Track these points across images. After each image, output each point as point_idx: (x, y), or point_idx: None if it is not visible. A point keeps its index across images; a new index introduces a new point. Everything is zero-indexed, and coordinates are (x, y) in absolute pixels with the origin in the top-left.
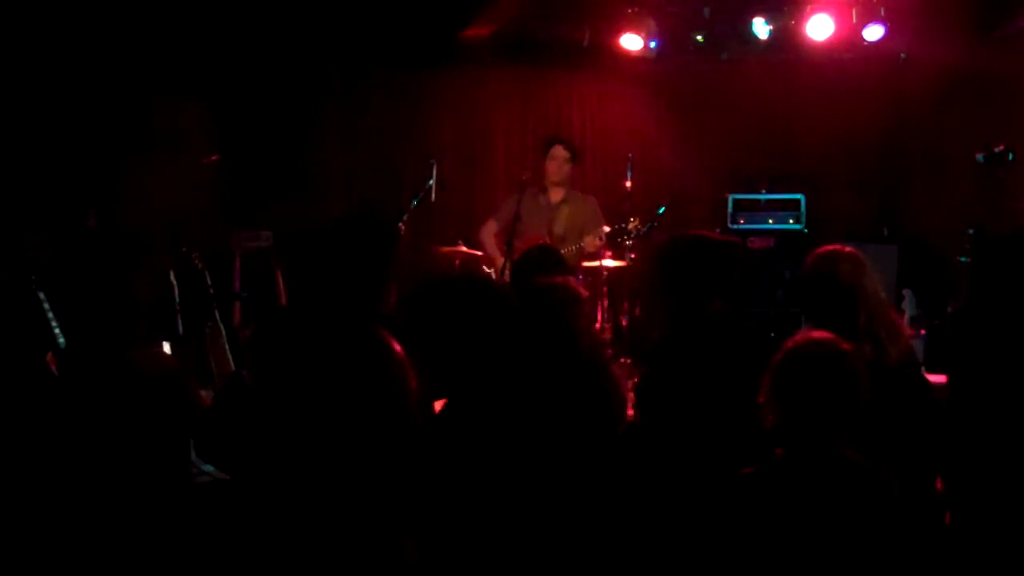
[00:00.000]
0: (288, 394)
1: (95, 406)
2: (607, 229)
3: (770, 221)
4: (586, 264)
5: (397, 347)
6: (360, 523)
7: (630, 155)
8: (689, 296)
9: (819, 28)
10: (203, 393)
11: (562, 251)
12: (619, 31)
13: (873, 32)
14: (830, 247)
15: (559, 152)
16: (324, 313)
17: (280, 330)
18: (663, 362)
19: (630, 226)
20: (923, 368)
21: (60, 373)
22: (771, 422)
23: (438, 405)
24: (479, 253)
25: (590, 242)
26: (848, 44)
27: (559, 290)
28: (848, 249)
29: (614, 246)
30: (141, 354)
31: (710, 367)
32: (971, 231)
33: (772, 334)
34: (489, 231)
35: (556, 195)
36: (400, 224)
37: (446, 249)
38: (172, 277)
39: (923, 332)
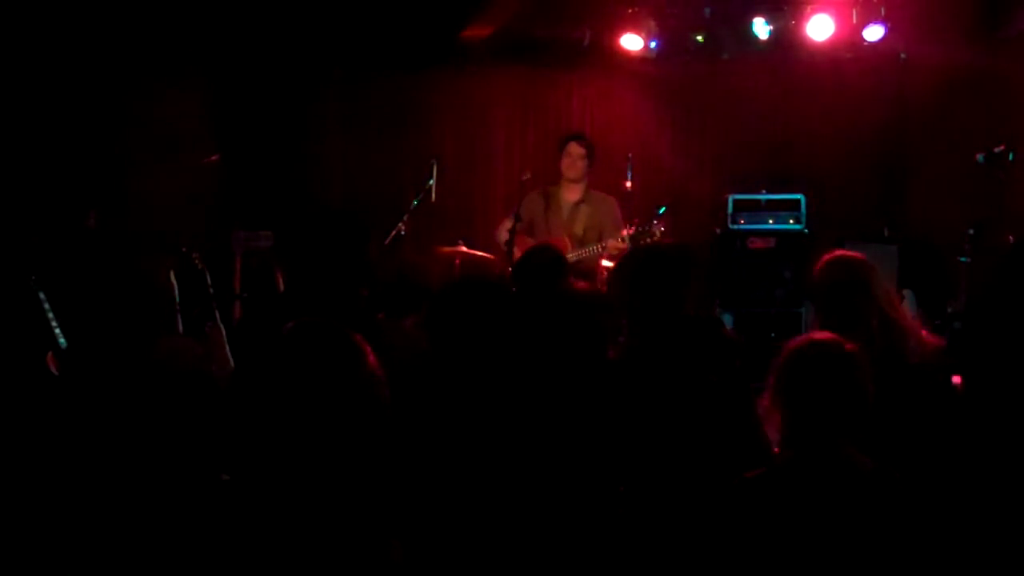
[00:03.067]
0: (263, 393)
1: (94, 406)
2: (627, 232)
3: (770, 221)
4: (606, 264)
5: (367, 349)
6: (346, 524)
7: (630, 155)
8: (655, 305)
9: (819, 28)
10: None
11: (583, 251)
12: (619, 31)
13: (873, 32)
14: (837, 253)
15: (573, 149)
16: (301, 309)
17: (259, 327)
18: (631, 369)
19: (653, 229)
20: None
21: (60, 373)
22: (776, 424)
23: None
24: (479, 253)
25: (613, 244)
26: (848, 44)
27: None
28: (856, 255)
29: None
30: (170, 345)
31: (680, 372)
32: (971, 231)
33: (772, 334)
34: (504, 227)
35: (573, 194)
36: (400, 224)
37: (446, 249)
38: (172, 277)
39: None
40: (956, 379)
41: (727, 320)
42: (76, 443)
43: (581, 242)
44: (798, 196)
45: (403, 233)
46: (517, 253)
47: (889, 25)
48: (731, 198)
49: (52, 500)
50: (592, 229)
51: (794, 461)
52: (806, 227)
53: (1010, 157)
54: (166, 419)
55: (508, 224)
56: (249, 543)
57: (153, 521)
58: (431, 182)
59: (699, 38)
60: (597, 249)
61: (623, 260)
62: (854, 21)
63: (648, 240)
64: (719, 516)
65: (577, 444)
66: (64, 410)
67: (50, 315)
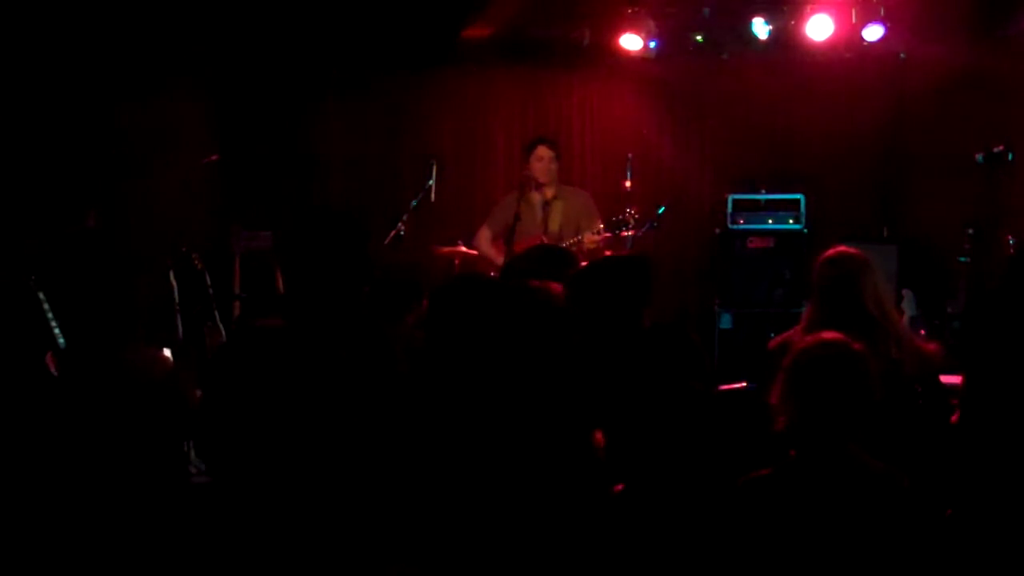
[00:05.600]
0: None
1: (94, 407)
2: (602, 225)
3: (770, 221)
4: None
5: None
6: (353, 520)
7: (630, 155)
8: (614, 316)
9: (819, 28)
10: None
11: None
12: (619, 31)
13: (873, 32)
14: (835, 249)
15: (544, 152)
16: (300, 310)
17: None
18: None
19: (627, 216)
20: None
21: (60, 373)
22: (784, 423)
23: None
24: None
25: (589, 238)
26: (848, 44)
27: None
28: (852, 251)
29: (615, 241)
30: (137, 355)
31: (649, 381)
32: (971, 231)
33: (772, 334)
34: (484, 238)
35: (547, 193)
36: (400, 224)
37: (446, 249)
38: (172, 277)
39: (923, 332)
40: (955, 379)
41: (726, 320)
42: (75, 443)
43: (558, 238)
44: (797, 196)
45: (403, 233)
46: (493, 256)
47: (888, 25)
48: (730, 198)
49: (51, 499)
50: (568, 224)
51: (801, 460)
52: (805, 227)
53: (1009, 157)
54: (130, 423)
55: (487, 233)
56: (257, 541)
57: (152, 521)
58: (431, 182)
59: (698, 38)
60: (572, 244)
61: (576, 275)
62: (854, 21)
63: (624, 229)
64: (725, 515)
65: (570, 443)
66: (64, 410)
67: (50, 315)
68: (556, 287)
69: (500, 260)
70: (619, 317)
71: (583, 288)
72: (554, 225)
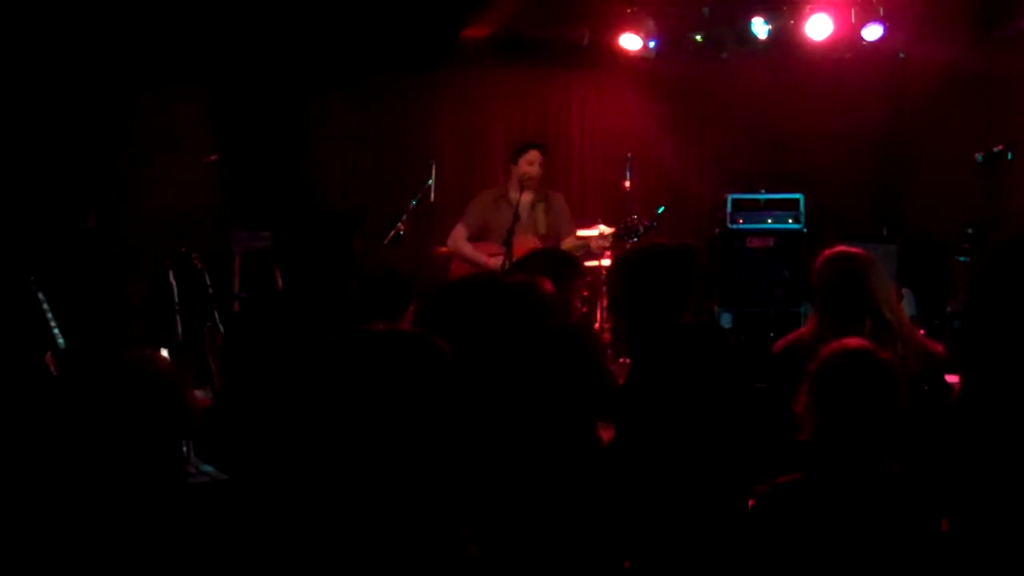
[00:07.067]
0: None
1: (93, 406)
2: (611, 229)
3: (769, 221)
4: (586, 264)
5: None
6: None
7: (629, 155)
8: (657, 311)
9: (818, 28)
10: (202, 393)
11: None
12: (618, 31)
13: (872, 32)
14: (838, 248)
15: (536, 156)
16: (297, 307)
17: (254, 326)
18: (640, 385)
19: (635, 223)
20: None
21: (59, 373)
22: (810, 432)
23: None
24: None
25: (597, 244)
26: (847, 44)
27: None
28: (855, 250)
29: (620, 246)
30: (134, 356)
31: (687, 384)
32: (970, 231)
33: (771, 334)
34: (461, 236)
35: (528, 196)
36: (400, 224)
37: (445, 249)
38: (171, 277)
39: (922, 332)
40: (953, 378)
41: (726, 319)
42: (75, 443)
43: (545, 240)
44: (797, 196)
45: (402, 233)
46: (475, 255)
47: (888, 24)
48: (730, 197)
49: (51, 499)
50: (552, 226)
51: (829, 468)
52: (805, 226)
53: (1009, 157)
54: (127, 423)
55: (463, 232)
56: (266, 541)
57: (152, 522)
58: (430, 182)
59: (698, 38)
60: (577, 248)
61: (621, 260)
62: (853, 20)
63: (632, 237)
64: (751, 520)
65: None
66: (63, 410)
67: (49, 315)
68: (546, 283)
69: (484, 259)
70: (661, 309)
71: (628, 275)
72: (541, 228)
